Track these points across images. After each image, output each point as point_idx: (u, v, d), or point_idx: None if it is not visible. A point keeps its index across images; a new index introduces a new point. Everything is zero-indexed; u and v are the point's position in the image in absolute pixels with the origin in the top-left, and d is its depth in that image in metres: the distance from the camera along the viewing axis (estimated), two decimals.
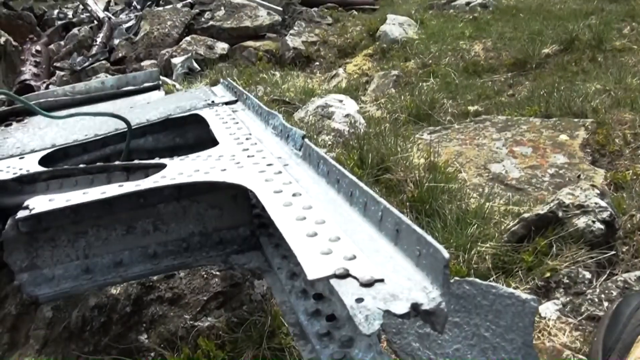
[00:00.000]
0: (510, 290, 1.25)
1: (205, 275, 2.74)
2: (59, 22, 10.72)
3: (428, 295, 1.10)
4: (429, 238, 1.15)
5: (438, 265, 1.11)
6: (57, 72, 8.67)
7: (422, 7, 10.14)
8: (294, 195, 1.63)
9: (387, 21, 8.72)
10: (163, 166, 2.11)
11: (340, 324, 1.50)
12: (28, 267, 1.95)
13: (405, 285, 1.15)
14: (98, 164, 2.39)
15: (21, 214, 1.86)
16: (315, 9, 10.82)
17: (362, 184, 1.49)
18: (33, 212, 1.85)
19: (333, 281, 1.18)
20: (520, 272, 3.11)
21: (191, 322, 2.60)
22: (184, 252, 2.07)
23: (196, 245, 2.08)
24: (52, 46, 9.71)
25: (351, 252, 1.26)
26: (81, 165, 2.38)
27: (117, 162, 2.32)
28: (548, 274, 3.03)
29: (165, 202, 2.04)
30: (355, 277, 1.17)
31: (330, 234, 1.36)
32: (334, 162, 1.71)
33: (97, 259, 2.00)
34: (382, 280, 1.16)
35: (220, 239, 2.11)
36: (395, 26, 8.55)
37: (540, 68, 7.04)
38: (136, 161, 2.32)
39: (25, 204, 1.90)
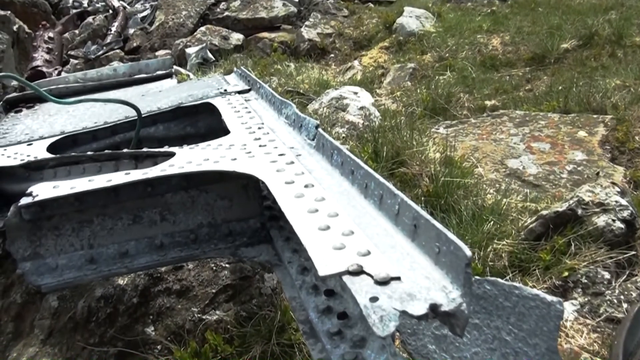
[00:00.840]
0: (535, 291, 1.17)
1: (214, 268, 2.68)
2: (74, 11, 10.68)
3: (448, 295, 1.03)
4: (450, 234, 1.07)
5: (459, 264, 1.03)
6: (71, 60, 8.65)
7: (439, 0, 10.00)
8: (306, 186, 1.56)
9: (404, 13, 8.61)
10: (172, 154, 2.05)
11: (352, 322, 1.42)
12: (31, 255, 1.90)
13: (423, 284, 1.07)
14: (106, 151, 2.33)
15: (24, 201, 1.80)
16: (331, 0, 10.70)
17: (378, 176, 1.41)
18: (36, 199, 1.79)
19: (346, 278, 1.10)
20: (537, 270, 3.03)
21: (199, 315, 2.54)
22: (191, 244, 2.00)
23: (204, 237, 2.01)
24: (66, 35, 9.68)
25: (365, 247, 1.18)
26: (89, 153, 2.32)
27: (125, 150, 2.25)
28: (566, 274, 2.95)
29: (173, 192, 1.97)
30: (369, 274, 1.10)
31: (343, 228, 1.28)
32: (348, 153, 1.63)
33: (102, 249, 1.94)
34: (398, 278, 1.08)
35: (229, 230, 2.04)
36: (412, 19, 8.43)
37: (559, 63, 6.92)
38: (145, 149, 2.26)
39: (29, 190, 1.84)
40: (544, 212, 3.23)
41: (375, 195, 1.41)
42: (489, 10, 9.05)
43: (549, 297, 1.16)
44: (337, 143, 1.74)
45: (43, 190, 1.83)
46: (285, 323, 2.47)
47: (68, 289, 2.62)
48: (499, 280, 1.21)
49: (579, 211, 3.14)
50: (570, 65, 6.75)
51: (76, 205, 1.88)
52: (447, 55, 7.39)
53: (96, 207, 1.91)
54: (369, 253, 1.16)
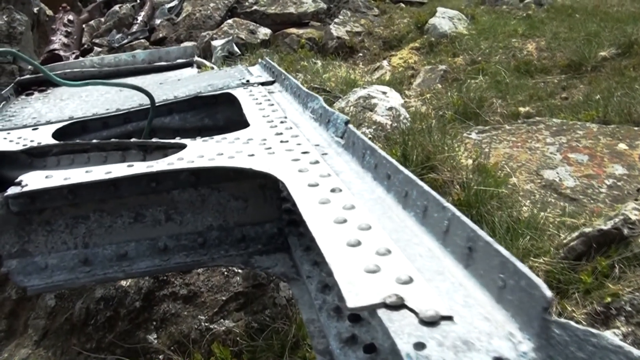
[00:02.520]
0: (618, 342, 0.91)
1: (225, 273, 2.44)
2: None
3: (516, 347, 0.78)
4: (521, 265, 0.82)
5: (533, 306, 0.78)
6: (95, 48, 8.49)
7: (473, 2, 9.71)
8: (332, 190, 1.31)
9: (436, 14, 8.35)
10: (183, 147, 1.82)
11: (381, 357, 1.17)
12: (18, 252, 1.68)
13: (482, 327, 0.82)
14: (112, 140, 2.11)
15: (12, 190, 1.58)
16: None
17: (421, 183, 1.16)
18: (25, 189, 1.58)
19: (382, 312, 0.86)
20: (577, 294, 2.77)
21: (206, 324, 2.30)
22: (199, 248, 1.76)
23: (214, 241, 1.78)
24: (92, 22, 9.55)
25: (406, 272, 0.94)
26: (94, 141, 2.11)
27: (133, 139, 2.03)
28: (608, 299, 2.68)
29: (180, 189, 1.74)
30: (412, 310, 0.85)
31: (378, 245, 1.04)
32: (384, 153, 1.38)
33: (98, 249, 1.71)
34: (450, 318, 0.83)
35: (242, 235, 1.79)
36: (445, 20, 8.16)
37: (596, 71, 6.64)
38: (154, 140, 2.03)
39: (19, 179, 1.63)
40: (587, 230, 2.96)
41: (418, 206, 1.16)
42: (524, 14, 8.75)
43: (636, 352, 0.90)
44: (370, 142, 1.49)
45: (34, 179, 1.62)
46: (300, 338, 2.23)
47: (55, 292, 2.40)
48: (571, 323, 0.95)
49: (625, 231, 2.88)
50: (608, 74, 6.46)
51: (70, 198, 1.65)
52: (479, 58, 7.12)
53: (93, 202, 1.69)
54: (411, 280, 0.92)
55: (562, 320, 0.91)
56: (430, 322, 0.82)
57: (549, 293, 0.77)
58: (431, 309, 0.84)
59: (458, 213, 1.01)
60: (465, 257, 0.97)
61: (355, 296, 0.89)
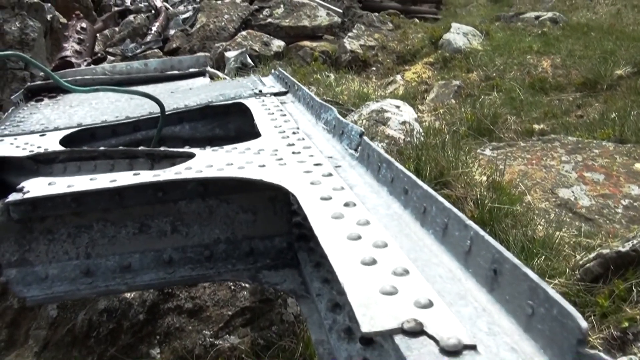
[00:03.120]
0: None
1: (232, 287, 2.37)
2: (116, 9, 10.57)
3: None
4: (552, 291, 0.75)
5: (566, 338, 0.71)
6: (109, 57, 8.48)
7: (487, 19, 9.67)
8: (346, 205, 1.25)
9: (451, 30, 8.30)
10: (192, 156, 1.76)
11: None
12: (18, 261, 1.61)
13: (509, 359, 0.75)
14: (120, 147, 2.05)
15: (13, 197, 1.52)
16: (376, 14, 10.46)
17: (441, 199, 1.09)
18: (27, 196, 1.52)
19: (399, 339, 0.79)
20: (593, 317, 2.68)
21: (211, 340, 2.23)
22: (205, 262, 1.69)
23: (221, 255, 1.70)
24: (106, 31, 9.56)
25: (426, 295, 0.87)
26: (101, 148, 2.05)
27: (141, 148, 1.97)
28: (626, 324, 2.60)
29: (187, 199, 1.67)
30: (432, 337, 0.78)
31: (394, 264, 0.97)
32: (401, 167, 1.31)
33: (100, 260, 1.65)
34: (473, 347, 0.76)
35: (250, 249, 1.72)
36: (460, 35, 8.11)
37: (612, 90, 6.55)
38: (162, 148, 1.97)
39: (20, 185, 1.57)
40: (604, 251, 2.88)
41: (438, 223, 1.09)
42: (539, 32, 8.69)
43: None
44: (386, 154, 1.43)
45: (36, 186, 1.56)
46: (308, 358, 2.15)
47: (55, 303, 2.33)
48: (602, 356, 0.87)
49: None
50: (624, 93, 6.38)
51: (73, 206, 1.59)
52: (494, 74, 7.06)
53: (97, 211, 1.62)
54: (430, 304, 0.84)
55: (601, 354, 0.84)
56: (452, 352, 0.75)
57: (584, 324, 0.70)
58: (453, 337, 0.77)
59: (482, 232, 0.94)
60: (489, 280, 0.90)
61: (370, 320, 0.82)
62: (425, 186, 1.17)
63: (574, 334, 0.70)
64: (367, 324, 0.81)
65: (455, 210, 1.04)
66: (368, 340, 1.22)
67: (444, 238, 1.06)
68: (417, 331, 0.79)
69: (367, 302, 0.86)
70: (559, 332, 0.73)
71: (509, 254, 0.86)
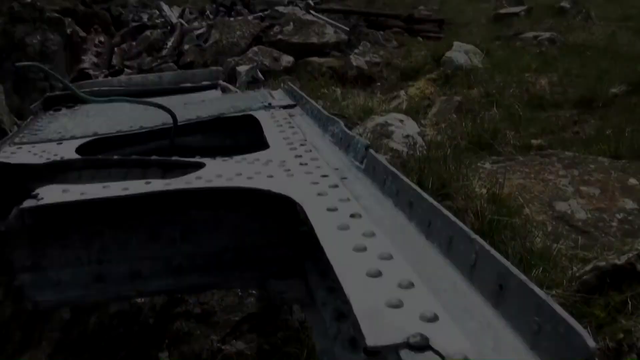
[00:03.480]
0: None
1: (240, 293, 2.33)
2: (133, 24, 10.60)
3: None
4: (559, 308, 0.71)
5: (573, 357, 0.67)
6: (125, 70, 8.50)
7: (488, 38, 9.67)
8: (352, 216, 1.21)
9: (453, 48, 8.30)
10: (202, 165, 1.73)
11: None
12: (32, 266, 1.58)
13: None
14: (133, 156, 2.03)
15: (28, 203, 1.49)
16: (382, 32, 10.49)
17: (447, 212, 1.05)
18: (41, 202, 1.49)
19: (405, 354, 0.75)
20: (589, 328, 2.62)
21: (218, 345, 2.20)
22: (213, 270, 1.65)
23: (229, 263, 1.67)
24: (124, 46, 9.58)
25: (431, 308, 0.83)
26: (115, 157, 2.02)
27: (153, 157, 1.94)
28: (621, 335, 2.55)
29: (197, 208, 1.64)
30: (438, 353, 0.74)
31: (399, 276, 0.93)
32: (406, 180, 1.27)
33: (111, 266, 1.61)
34: None
35: (258, 257, 1.69)
36: (461, 53, 8.10)
37: (607, 107, 6.53)
38: (174, 158, 1.94)
39: (35, 192, 1.54)
40: (600, 264, 2.83)
41: (442, 236, 1.05)
42: (538, 51, 8.69)
43: None
44: (391, 167, 1.39)
45: (50, 193, 1.53)
46: None
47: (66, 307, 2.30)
48: None
49: (639, 266, 2.75)
50: (619, 111, 6.35)
51: (86, 213, 1.56)
52: (494, 91, 7.05)
53: (109, 218, 1.59)
54: (436, 318, 0.81)
55: None
56: None
57: (592, 343, 0.66)
58: (458, 352, 0.73)
59: (487, 246, 0.90)
60: (494, 295, 0.86)
61: (375, 333, 0.78)
62: (430, 199, 1.13)
63: (581, 353, 0.66)
64: (373, 338, 0.78)
65: (460, 224, 1.00)
66: (372, 352, 1.18)
67: (448, 251, 1.02)
68: (422, 346, 0.75)
69: (373, 315, 0.83)
70: (566, 350, 0.69)
71: (515, 270, 0.83)
